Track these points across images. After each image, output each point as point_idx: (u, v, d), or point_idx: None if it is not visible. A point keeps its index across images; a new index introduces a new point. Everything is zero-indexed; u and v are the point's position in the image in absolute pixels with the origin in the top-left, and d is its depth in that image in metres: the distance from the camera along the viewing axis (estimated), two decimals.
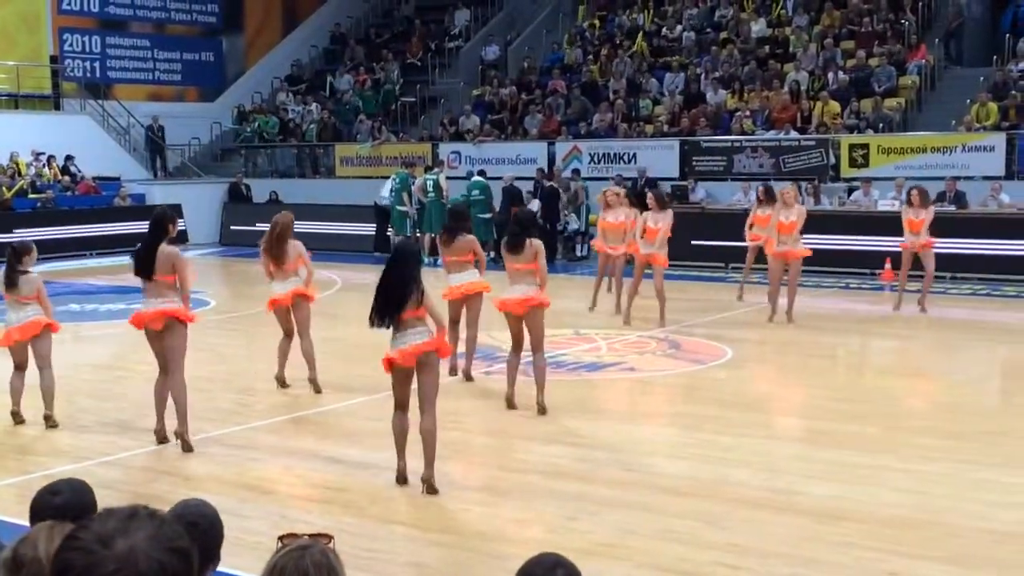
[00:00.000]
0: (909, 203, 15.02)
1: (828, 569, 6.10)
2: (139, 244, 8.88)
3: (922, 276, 14.89)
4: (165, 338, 8.86)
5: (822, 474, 7.80)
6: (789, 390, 10.69)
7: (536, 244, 9.59)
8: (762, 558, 6.25)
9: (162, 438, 8.85)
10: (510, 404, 9.80)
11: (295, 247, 10.81)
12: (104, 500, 3.52)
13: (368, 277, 21.40)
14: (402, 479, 7.59)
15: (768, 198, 15.08)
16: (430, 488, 7.40)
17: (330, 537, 2.74)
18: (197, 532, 3.19)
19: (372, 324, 7.53)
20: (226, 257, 24.81)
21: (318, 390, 10.60)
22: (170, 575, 1.73)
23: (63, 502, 3.22)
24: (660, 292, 13.82)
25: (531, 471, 8.06)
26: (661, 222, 13.81)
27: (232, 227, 26.67)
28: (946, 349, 13.28)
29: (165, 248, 8.73)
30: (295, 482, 7.79)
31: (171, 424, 8.81)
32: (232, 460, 8.35)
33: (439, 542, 6.61)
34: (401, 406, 7.72)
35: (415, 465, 7.56)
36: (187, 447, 8.57)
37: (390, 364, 7.54)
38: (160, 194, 26.34)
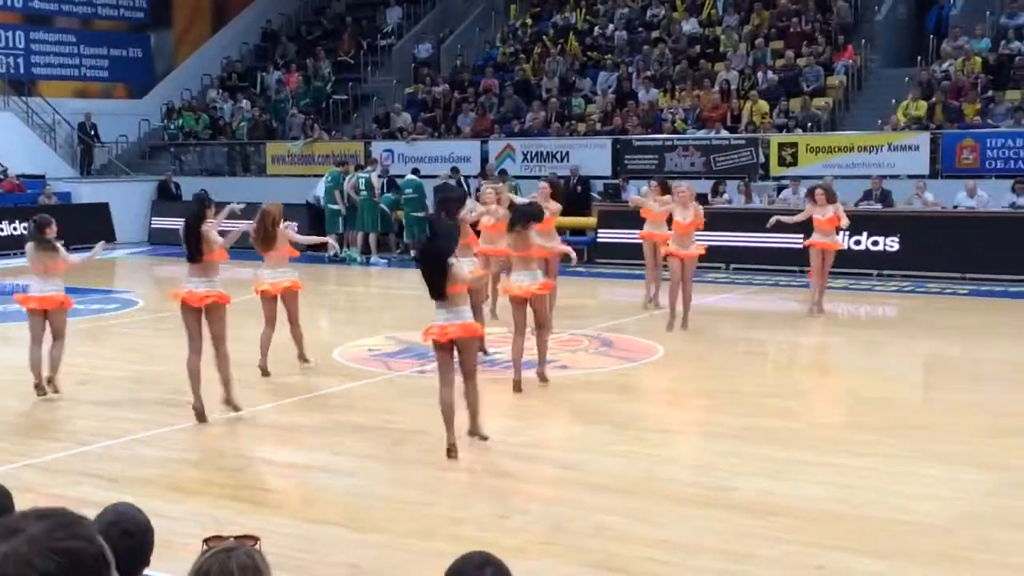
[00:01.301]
0: (813, 201, 14.86)
1: (758, 563, 6.18)
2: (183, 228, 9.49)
3: (852, 273, 15.11)
4: (210, 317, 9.37)
5: (752, 470, 7.89)
6: (719, 387, 10.79)
7: (531, 233, 10.39)
8: (693, 553, 6.31)
9: (201, 415, 9.16)
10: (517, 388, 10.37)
11: (284, 234, 11.29)
12: (25, 504, 3.45)
13: (309, 276, 21.24)
14: (453, 452, 8.17)
15: (663, 191, 14.69)
16: (481, 436, 8.52)
17: (256, 539, 2.71)
18: (133, 541, 3.15)
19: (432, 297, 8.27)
20: (155, 256, 24.47)
21: (305, 359, 11.42)
22: None
23: None
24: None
25: (463, 469, 8.06)
26: (691, 217, 13.48)
27: (161, 226, 26.31)
28: (871, 345, 13.49)
29: (207, 232, 9.37)
30: (224, 483, 7.71)
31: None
32: (160, 461, 8.24)
33: (371, 542, 6.58)
34: (447, 382, 8.33)
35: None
36: (236, 408, 9.35)
37: (433, 339, 8.28)
38: (87, 192, 25.93)
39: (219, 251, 9.43)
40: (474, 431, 8.56)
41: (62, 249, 10.42)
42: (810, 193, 15.39)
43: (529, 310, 10.47)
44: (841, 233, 15.58)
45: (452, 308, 8.12)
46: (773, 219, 15.34)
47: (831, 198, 14.80)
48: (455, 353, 8.29)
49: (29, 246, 10.42)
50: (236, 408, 9.46)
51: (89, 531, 1.74)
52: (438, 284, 8.07)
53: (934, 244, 18.03)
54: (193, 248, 9.32)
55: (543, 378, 10.71)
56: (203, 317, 9.36)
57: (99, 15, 30.36)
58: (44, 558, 1.65)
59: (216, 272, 9.47)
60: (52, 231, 10.31)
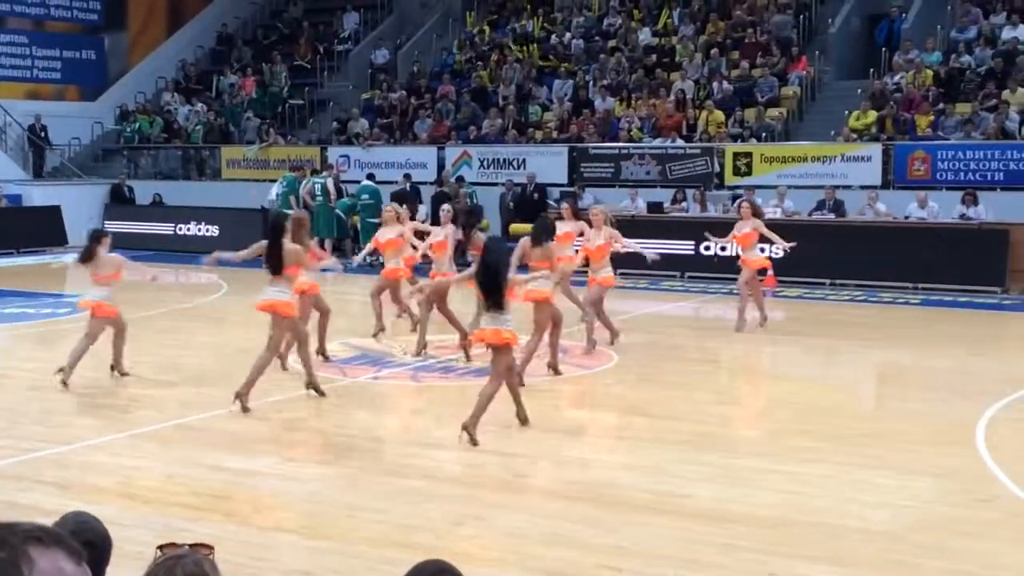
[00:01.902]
0: (741, 218, 14.59)
1: (711, 570, 6.21)
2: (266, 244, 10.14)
3: (805, 282, 15.19)
4: (273, 322, 10.13)
5: (705, 477, 7.93)
6: (673, 395, 10.85)
7: (552, 246, 11.19)
8: (647, 560, 6.34)
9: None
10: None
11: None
12: None
13: (255, 281, 21.10)
14: (524, 421, 9.23)
15: (574, 215, 13.91)
16: (472, 439, 8.65)
17: (211, 547, 2.69)
18: (94, 552, 3.12)
19: (487, 309, 9.06)
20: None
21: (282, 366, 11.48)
22: None
23: None
24: None
25: (418, 476, 8.04)
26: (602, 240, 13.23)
27: (114, 230, 26.02)
28: (824, 353, 13.62)
29: (288, 246, 10.06)
30: (177, 490, 7.64)
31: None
32: (113, 468, 8.16)
33: (325, 549, 6.55)
34: (497, 377, 9.08)
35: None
36: (245, 409, 9.66)
37: (483, 341, 9.16)
38: (39, 195, 25.64)
39: (294, 267, 10.13)
40: (469, 427, 8.82)
41: (119, 262, 11.50)
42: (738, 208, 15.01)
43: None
44: (769, 249, 15.45)
45: (498, 316, 8.89)
46: (705, 234, 15.30)
47: (756, 212, 14.56)
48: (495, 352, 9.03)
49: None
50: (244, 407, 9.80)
51: None
52: (496, 295, 8.89)
53: (886, 254, 18.22)
54: (275, 262, 9.96)
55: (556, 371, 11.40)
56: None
57: (52, 16, 30.03)
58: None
59: (290, 284, 10.20)
60: (106, 242, 11.36)
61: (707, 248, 14.22)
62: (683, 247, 18.85)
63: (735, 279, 18.31)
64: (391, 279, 13.49)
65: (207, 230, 24.26)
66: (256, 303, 10.48)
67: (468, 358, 12.09)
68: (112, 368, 11.31)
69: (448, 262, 12.92)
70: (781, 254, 15.37)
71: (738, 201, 14.97)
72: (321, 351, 12.03)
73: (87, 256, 11.14)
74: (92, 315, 11.16)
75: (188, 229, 24.74)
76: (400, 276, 13.57)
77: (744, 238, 14.28)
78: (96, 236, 11.39)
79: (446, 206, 13.65)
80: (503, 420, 9.84)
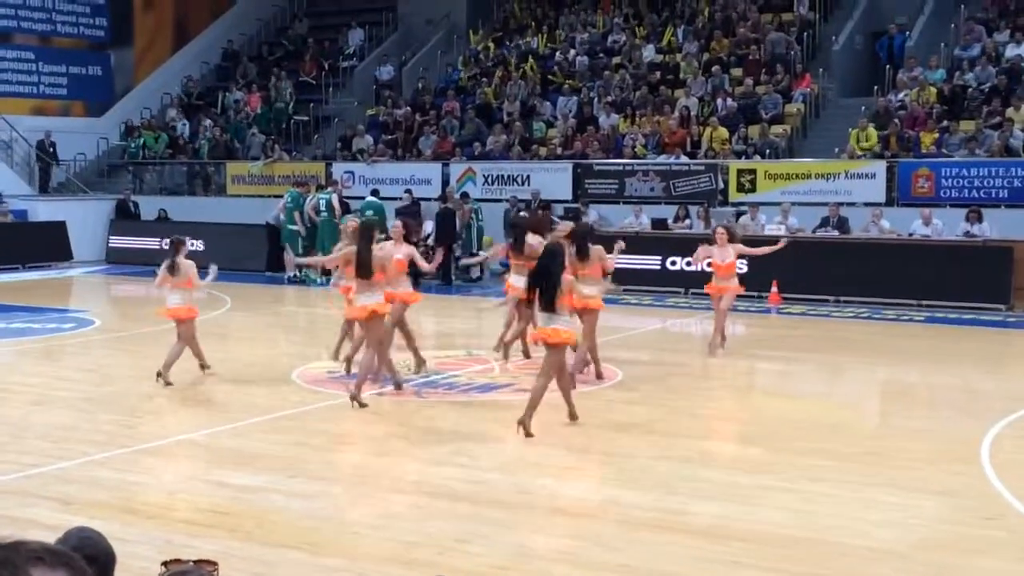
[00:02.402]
0: (713, 241, 13.71)
1: None
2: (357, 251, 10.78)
3: (810, 299, 15.08)
4: (369, 325, 10.80)
5: (711, 494, 7.90)
6: (679, 411, 10.82)
7: (597, 250, 11.80)
8: None
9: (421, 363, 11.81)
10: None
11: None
12: None
13: (257, 297, 21.13)
14: (574, 416, 9.86)
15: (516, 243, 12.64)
16: (527, 432, 9.36)
17: (215, 564, 2.69)
18: (97, 567, 3.11)
19: (539, 309, 9.59)
20: (112, 275, 24.25)
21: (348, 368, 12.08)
22: None
23: None
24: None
25: (422, 492, 8.02)
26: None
27: (119, 245, 26.09)
28: (829, 371, 13.59)
29: (377, 252, 10.76)
30: (180, 506, 7.62)
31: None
32: (115, 484, 8.14)
33: (329, 566, 6.52)
34: (547, 375, 9.66)
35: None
36: (362, 405, 10.48)
37: (542, 340, 9.64)
38: (44, 210, 25.69)
39: (380, 272, 10.79)
40: (524, 421, 9.50)
41: (192, 270, 11.87)
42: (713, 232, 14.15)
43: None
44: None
45: (553, 316, 9.50)
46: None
47: (732, 238, 13.82)
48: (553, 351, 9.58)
49: (165, 264, 11.91)
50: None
51: None
52: (550, 296, 9.43)
53: (890, 271, 18.20)
54: (366, 268, 10.59)
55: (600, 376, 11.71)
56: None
57: (58, 32, 30.14)
58: None
59: (381, 288, 10.90)
60: (184, 250, 11.93)
61: (709, 265, 13.79)
62: (687, 264, 18.82)
63: (738, 296, 18.32)
64: (408, 302, 12.44)
65: (213, 245, 24.27)
66: (351, 311, 11.17)
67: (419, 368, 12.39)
68: (202, 367, 12.16)
69: (406, 281, 12.38)
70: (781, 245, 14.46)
71: (714, 226, 14.06)
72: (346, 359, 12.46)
73: (173, 266, 11.75)
74: (179, 320, 11.83)
75: (192, 245, 24.73)
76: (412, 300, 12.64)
77: (729, 267, 13.55)
78: (175, 244, 11.98)
79: (396, 221, 13.10)
80: (507, 437, 9.82)
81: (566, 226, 13.14)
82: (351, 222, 13.23)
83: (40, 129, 28.00)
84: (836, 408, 11.36)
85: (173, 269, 11.71)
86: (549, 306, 9.49)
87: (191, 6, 33.14)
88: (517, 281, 12.39)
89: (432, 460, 8.92)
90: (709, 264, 13.75)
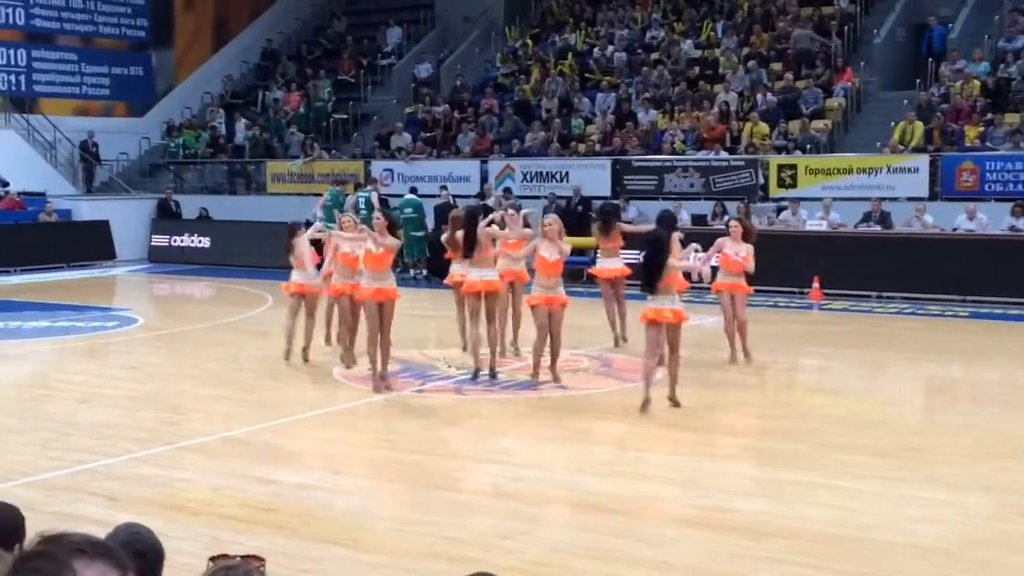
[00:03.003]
0: (729, 235, 12.68)
1: None
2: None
3: (852, 294, 14.91)
4: (487, 300, 11.65)
5: (751, 491, 7.88)
6: (719, 408, 10.78)
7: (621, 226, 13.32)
8: (692, 574, 6.30)
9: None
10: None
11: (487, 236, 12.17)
12: (26, 522, 3.45)
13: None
14: (646, 406, 10.19)
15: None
16: (675, 403, 10.30)
17: (262, 560, 2.71)
18: (145, 562, 3.15)
19: (645, 291, 10.24)
20: (154, 274, 24.48)
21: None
22: None
23: None
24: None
25: (463, 489, 8.05)
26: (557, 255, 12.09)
27: (161, 243, 26.33)
28: (871, 367, 13.49)
29: (482, 230, 11.72)
30: (225, 503, 7.70)
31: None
32: (160, 480, 8.23)
33: (372, 562, 6.57)
34: (652, 355, 10.31)
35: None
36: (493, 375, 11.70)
37: (651, 320, 10.16)
38: (87, 210, 25.97)
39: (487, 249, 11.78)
40: (672, 397, 10.34)
41: (306, 252, 12.95)
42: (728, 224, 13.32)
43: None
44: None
45: (664, 296, 10.10)
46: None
47: (748, 236, 12.72)
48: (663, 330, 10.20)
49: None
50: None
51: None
52: (657, 278, 10.01)
53: (934, 266, 18.03)
54: (470, 246, 11.46)
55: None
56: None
57: (100, 33, 30.45)
58: None
59: (490, 264, 11.89)
60: (301, 232, 13.02)
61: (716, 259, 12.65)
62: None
63: (780, 292, 18.25)
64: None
65: (253, 243, 24.47)
66: (468, 286, 11.80)
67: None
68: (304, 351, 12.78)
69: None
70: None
71: (727, 218, 13.08)
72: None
73: (288, 247, 12.81)
74: (303, 295, 12.71)
75: (235, 243, 24.94)
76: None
77: (738, 264, 12.56)
78: (291, 229, 13.05)
79: (377, 213, 12.74)
80: (548, 434, 9.84)
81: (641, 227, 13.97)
82: (379, 218, 12.74)
83: (83, 129, 28.30)
84: (878, 404, 11.28)
85: (289, 251, 12.80)
86: (653, 288, 10.05)
87: (231, 6, 33.38)
88: (607, 264, 13.82)
89: (473, 457, 8.96)
90: (717, 257, 12.67)
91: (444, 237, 12.80)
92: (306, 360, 12.71)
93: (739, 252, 12.57)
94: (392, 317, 11.32)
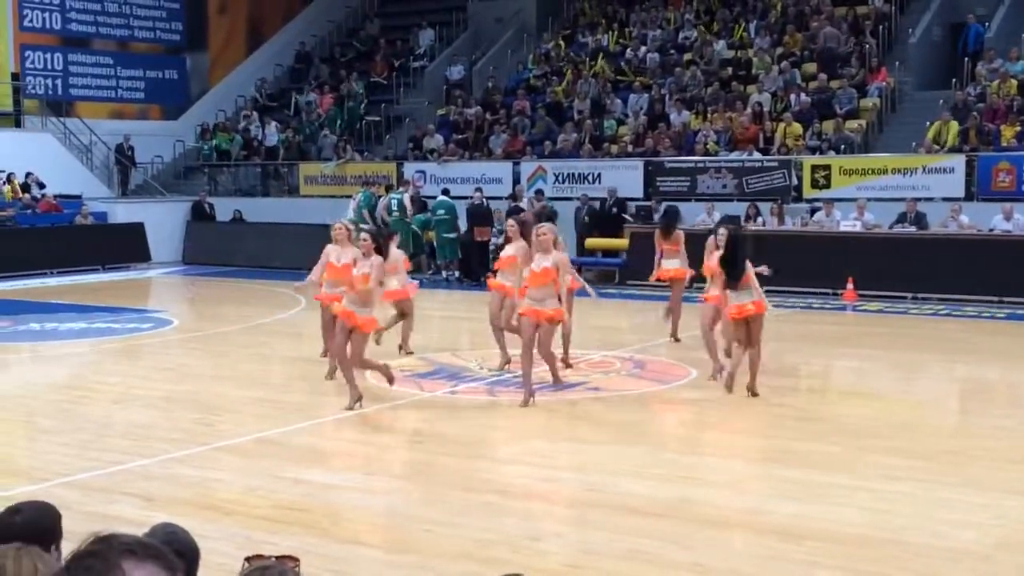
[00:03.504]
0: (716, 245, 11.53)
1: None
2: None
3: (887, 296, 14.83)
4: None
5: (786, 493, 7.83)
6: (753, 410, 10.73)
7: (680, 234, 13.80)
8: None
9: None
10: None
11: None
12: (63, 522, 3.48)
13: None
14: (731, 383, 10.97)
15: (523, 233, 11.83)
16: (754, 393, 10.81)
17: (296, 560, 2.73)
18: (183, 561, 3.18)
19: (728, 287, 10.86)
20: (188, 276, 24.66)
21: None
22: None
23: (24, 522, 3.17)
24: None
25: (495, 491, 8.05)
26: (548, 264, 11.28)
27: (195, 246, 26.52)
28: (907, 368, 13.39)
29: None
30: (258, 503, 7.74)
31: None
32: (195, 481, 8.28)
33: (403, 563, 6.58)
34: (740, 342, 10.97)
35: None
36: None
37: (736, 316, 10.80)
38: (123, 212, 26.19)
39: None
40: (752, 387, 10.83)
41: (401, 258, 13.26)
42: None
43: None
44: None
45: (744, 291, 10.73)
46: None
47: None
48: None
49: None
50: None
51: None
52: (737, 273, 10.68)
53: (970, 267, 17.87)
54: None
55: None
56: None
57: (136, 37, 30.72)
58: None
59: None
60: (395, 240, 13.23)
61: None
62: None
63: (814, 293, 18.15)
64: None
65: (286, 245, 24.60)
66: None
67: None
68: (400, 348, 13.24)
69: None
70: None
71: (717, 229, 11.94)
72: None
73: (385, 253, 12.21)
74: (396, 299, 13.03)
75: (266, 245, 25.10)
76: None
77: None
78: (388, 237, 12.78)
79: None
80: (580, 435, 9.83)
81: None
82: (365, 240, 11.23)
83: (118, 133, 28.55)
84: (914, 406, 11.19)
85: (385, 256, 12.48)
86: (735, 284, 10.71)
87: (264, 9, 33.58)
88: (669, 264, 14.09)
89: (505, 458, 8.96)
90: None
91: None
92: (410, 353, 13.30)
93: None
94: (361, 345, 10.46)
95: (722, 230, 11.70)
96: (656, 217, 21.55)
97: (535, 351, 10.71)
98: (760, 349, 10.97)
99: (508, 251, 12.17)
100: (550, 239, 10.75)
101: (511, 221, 12.57)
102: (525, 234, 11.69)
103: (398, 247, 17.76)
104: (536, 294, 10.64)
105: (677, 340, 14.06)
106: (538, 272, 10.61)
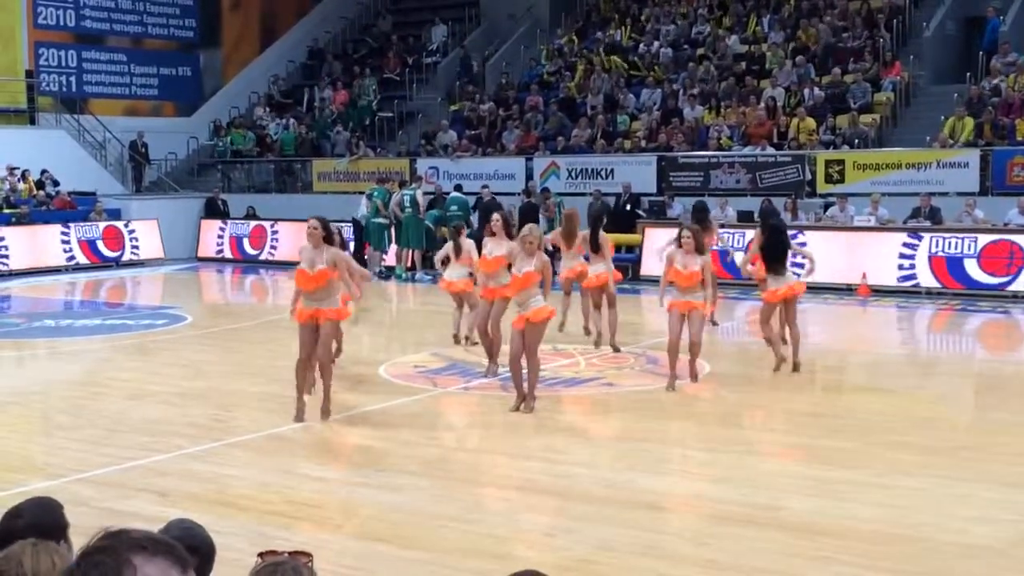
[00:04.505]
0: (679, 244, 11.30)
1: None
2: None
3: (900, 290, 14.79)
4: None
5: (801, 489, 7.81)
6: (767, 405, 10.71)
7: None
8: (740, 572, 6.25)
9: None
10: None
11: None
12: (78, 518, 3.49)
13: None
14: (780, 366, 11.94)
15: (504, 230, 12.06)
16: (797, 367, 11.90)
17: (309, 555, 2.73)
18: (199, 557, 3.19)
19: (777, 272, 11.83)
20: (202, 272, 24.70)
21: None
22: None
23: (27, 524, 3.16)
24: None
25: (509, 487, 8.04)
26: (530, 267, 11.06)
27: (209, 242, 26.57)
28: (921, 364, 13.34)
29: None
30: (272, 499, 7.75)
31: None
32: (209, 476, 8.30)
33: (417, 559, 6.58)
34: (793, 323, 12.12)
35: None
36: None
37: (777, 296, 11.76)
38: (136, 209, 26.25)
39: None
40: (796, 360, 11.96)
41: (472, 250, 13.39)
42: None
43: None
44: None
45: (781, 277, 11.75)
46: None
47: (700, 247, 11.23)
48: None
49: (448, 246, 13.83)
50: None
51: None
52: (783, 258, 11.79)
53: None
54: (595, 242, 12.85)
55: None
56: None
57: (149, 34, 30.78)
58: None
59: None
60: (463, 232, 13.89)
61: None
62: None
63: (828, 288, 18.08)
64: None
65: (300, 241, 24.62)
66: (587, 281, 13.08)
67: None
68: (456, 338, 13.73)
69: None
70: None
71: (679, 233, 11.47)
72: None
73: (457, 247, 13.49)
74: (462, 290, 13.48)
75: (278, 241, 25.16)
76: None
77: (692, 277, 11.08)
78: (457, 228, 13.89)
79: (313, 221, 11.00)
80: (593, 431, 9.82)
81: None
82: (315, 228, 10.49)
83: (132, 129, 28.61)
84: (929, 402, 11.15)
85: (458, 250, 13.44)
86: (780, 269, 11.73)
87: (277, 5, 33.60)
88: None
89: (519, 454, 8.95)
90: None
91: (551, 235, 13.68)
92: (466, 338, 13.65)
93: (688, 266, 11.04)
94: (328, 340, 10.05)
95: (686, 232, 11.27)
96: (670, 212, 21.54)
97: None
98: (798, 329, 12.21)
99: (496, 251, 11.87)
100: (536, 245, 10.20)
101: (496, 216, 12.59)
102: (509, 231, 12.02)
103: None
104: (520, 298, 10.20)
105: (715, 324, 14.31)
106: (520, 277, 10.10)
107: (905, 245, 18.27)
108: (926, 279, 18.03)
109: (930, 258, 18.07)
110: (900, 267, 18.26)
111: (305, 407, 9.96)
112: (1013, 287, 17.41)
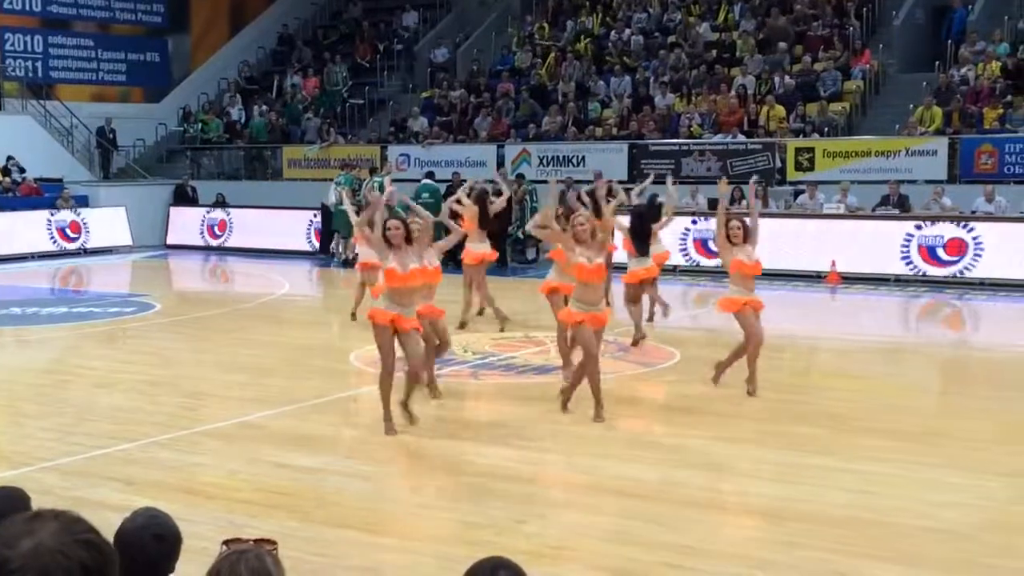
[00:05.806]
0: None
1: (776, 569, 6.13)
2: None
3: (868, 277, 14.81)
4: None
5: (769, 475, 7.84)
6: (736, 392, 10.74)
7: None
8: (711, 559, 6.27)
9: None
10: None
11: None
12: (43, 506, 3.44)
13: (316, 279, 21.28)
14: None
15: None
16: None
17: (274, 543, 2.70)
18: (164, 545, 3.16)
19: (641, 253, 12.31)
20: (171, 259, 24.53)
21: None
22: (78, 565, 1.72)
23: None
24: None
25: (480, 473, 8.03)
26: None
27: (177, 229, 26.39)
28: (890, 351, 13.42)
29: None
30: (241, 487, 7.70)
31: None
32: (177, 464, 8.24)
33: (388, 546, 6.56)
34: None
35: None
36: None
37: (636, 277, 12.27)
38: (104, 196, 26.02)
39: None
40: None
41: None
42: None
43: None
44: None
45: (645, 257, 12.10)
46: None
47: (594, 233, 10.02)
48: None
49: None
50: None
51: (93, 528, 1.83)
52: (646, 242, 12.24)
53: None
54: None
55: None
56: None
57: (117, 19, 30.46)
58: (75, 548, 1.74)
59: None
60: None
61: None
62: None
63: (797, 275, 18.16)
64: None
65: (269, 228, 24.48)
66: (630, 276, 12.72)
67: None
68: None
69: None
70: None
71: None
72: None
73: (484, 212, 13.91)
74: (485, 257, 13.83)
75: (250, 229, 25.01)
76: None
77: (597, 271, 9.55)
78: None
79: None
80: (564, 418, 9.81)
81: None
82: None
83: (100, 116, 28.34)
84: (897, 388, 11.21)
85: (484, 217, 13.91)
86: (643, 250, 12.11)
87: None
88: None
89: (489, 441, 8.93)
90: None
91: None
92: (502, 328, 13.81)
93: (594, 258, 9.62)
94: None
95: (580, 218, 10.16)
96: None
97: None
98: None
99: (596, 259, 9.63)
100: (590, 232, 9.49)
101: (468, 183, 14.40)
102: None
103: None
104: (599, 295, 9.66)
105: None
106: (592, 268, 9.39)
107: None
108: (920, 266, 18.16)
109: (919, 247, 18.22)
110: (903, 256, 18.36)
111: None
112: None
